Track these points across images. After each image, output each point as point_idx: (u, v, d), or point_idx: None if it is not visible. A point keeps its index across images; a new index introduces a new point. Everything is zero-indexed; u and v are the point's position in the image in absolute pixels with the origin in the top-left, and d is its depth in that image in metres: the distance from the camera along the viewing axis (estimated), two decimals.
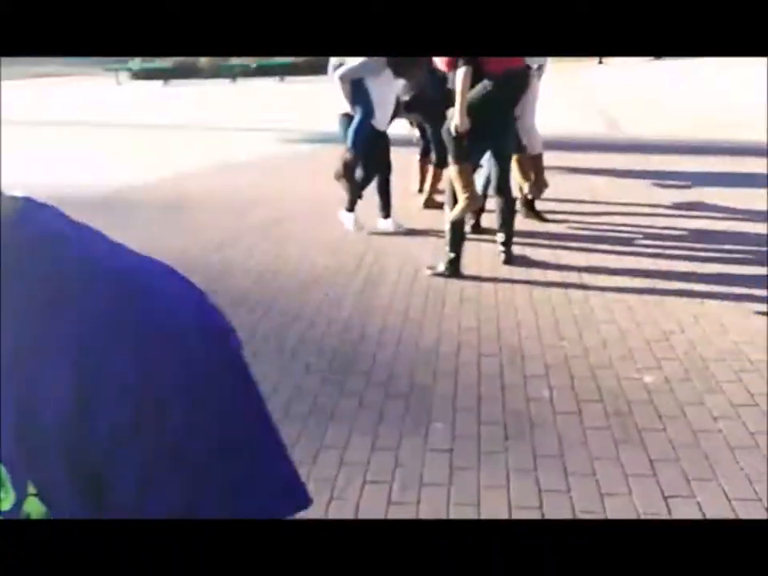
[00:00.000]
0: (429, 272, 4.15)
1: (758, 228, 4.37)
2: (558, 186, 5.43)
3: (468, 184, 3.96)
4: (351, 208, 5.02)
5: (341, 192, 4.94)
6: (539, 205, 5.01)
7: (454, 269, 4.09)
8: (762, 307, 3.46)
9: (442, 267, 4.11)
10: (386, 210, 4.97)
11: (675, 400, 2.75)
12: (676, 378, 2.90)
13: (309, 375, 3.10)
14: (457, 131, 3.81)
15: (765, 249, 4.08)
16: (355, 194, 4.94)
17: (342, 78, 4.55)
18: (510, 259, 4.24)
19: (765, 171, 5.62)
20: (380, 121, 4.68)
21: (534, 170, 4.85)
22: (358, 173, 4.81)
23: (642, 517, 2.12)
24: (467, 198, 3.93)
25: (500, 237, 4.26)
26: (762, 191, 5.18)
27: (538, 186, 4.88)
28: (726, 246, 4.20)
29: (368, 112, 4.57)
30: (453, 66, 3.78)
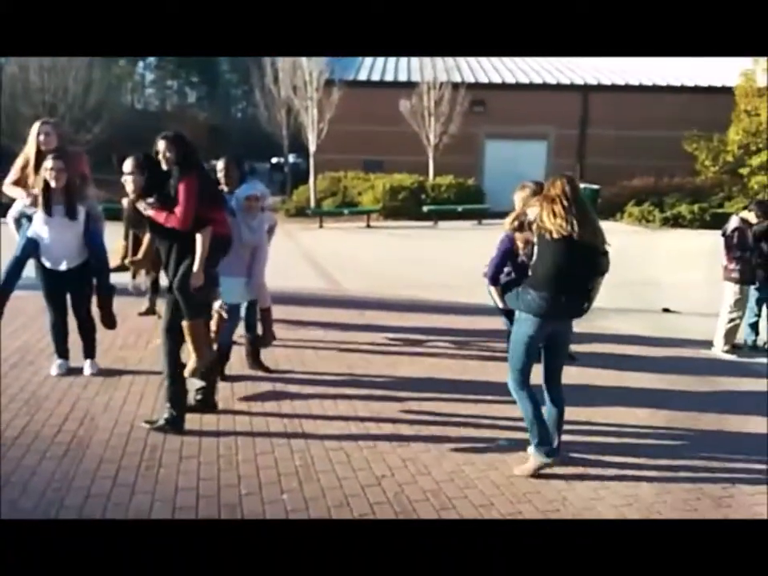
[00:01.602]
0: (146, 426, 3.92)
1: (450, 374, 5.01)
2: (283, 338, 5.66)
3: (201, 338, 3.90)
4: (59, 354, 4.77)
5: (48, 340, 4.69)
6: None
7: (175, 425, 3.91)
8: (456, 448, 3.89)
9: (162, 422, 3.91)
10: (87, 351, 4.82)
11: None
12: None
13: None
14: (193, 287, 3.76)
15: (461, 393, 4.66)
16: (58, 338, 4.74)
17: (12, 220, 4.62)
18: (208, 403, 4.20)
19: (452, 326, 6.55)
20: (53, 259, 4.53)
21: (263, 323, 4.99)
22: (48, 315, 4.65)
23: None
24: (199, 354, 3.86)
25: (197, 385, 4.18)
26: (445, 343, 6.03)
27: (266, 338, 5.02)
28: (426, 394, 4.71)
29: (25, 247, 4.48)
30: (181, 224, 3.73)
